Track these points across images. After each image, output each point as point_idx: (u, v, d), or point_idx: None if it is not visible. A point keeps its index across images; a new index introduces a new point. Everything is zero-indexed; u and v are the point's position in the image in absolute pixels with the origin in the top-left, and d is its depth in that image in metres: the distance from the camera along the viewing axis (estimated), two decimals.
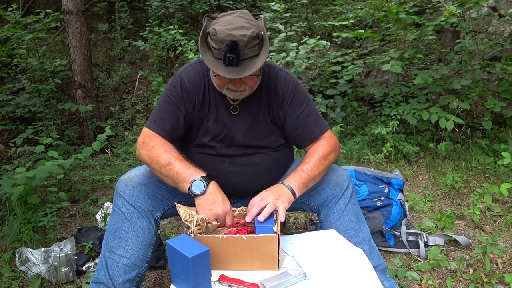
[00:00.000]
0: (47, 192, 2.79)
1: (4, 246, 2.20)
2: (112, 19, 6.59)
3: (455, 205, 2.56)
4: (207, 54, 1.33)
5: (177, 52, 4.59)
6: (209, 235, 1.21)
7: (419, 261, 1.98)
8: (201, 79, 1.48)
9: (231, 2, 6.14)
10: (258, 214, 1.28)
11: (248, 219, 1.29)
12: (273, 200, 1.30)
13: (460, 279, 1.83)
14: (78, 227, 2.37)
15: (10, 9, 4.66)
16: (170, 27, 4.61)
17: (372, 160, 3.28)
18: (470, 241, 2.07)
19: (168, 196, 1.48)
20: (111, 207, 1.70)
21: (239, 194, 1.51)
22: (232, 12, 1.35)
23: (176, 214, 1.42)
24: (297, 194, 1.38)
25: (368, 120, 4.00)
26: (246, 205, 1.36)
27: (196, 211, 1.32)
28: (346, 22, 4.32)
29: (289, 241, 1.35)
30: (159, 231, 1.63)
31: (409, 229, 2.14)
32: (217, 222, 1.30)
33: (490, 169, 2.93)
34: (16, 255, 1.98)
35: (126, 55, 6.30)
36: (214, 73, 1.38)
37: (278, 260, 1.21)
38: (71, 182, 3.13)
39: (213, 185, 1.32)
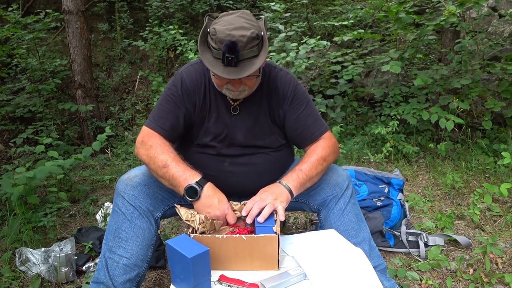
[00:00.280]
0: (47, 192, 2.79)
1: (4, 246, 2.20)
2: (112, 19, 6.59)
3: (455, 205, 2.56)
4: (206, 53, 1.33)
5: (177, 52, 4.59)
6: (209, 235, 1.21)
7: (419, 261, 1.98)
8: (202, 79, 1.48)
9: (231, 2, 6.13)
10: (258, 214, 1.29)
11: (248, 220, 1.29)
12: (272, 200, 1.30)
13: (460, 279, 1.83)
14: (78, 227, 2.37)
15: (10, 9, 4.66)
16: (170, 27, 4.61)
17: (372, 160, 3.28)
18: (470, 241, 2.07)
19: (168, 196, 1.48)
20: (111, 207, 1.70)
21: (239, 194, 1.51)
22: (233, 12, 1.35)
23: (176, 214, 1.42)
24: (294, 194, 1.38)
25: (368, 120, 4.00)
26: None
27: (197, 211, 1.32)
28: (346, 22, 4.32)
29: (289, 241, 1.35)
30: (159, 231, 1.63)
31: (409, 229, 2.14)
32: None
33: (490, 169, 2.93)
34: (16, 255, 1.98)
35: (126, 55, 6.31)
36: (213, 72, 1.38)
37: (278, 260, 1.21)
38: (71, 182, 3.13)
39: (207, 188, 1.32)
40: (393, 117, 3.42)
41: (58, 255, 1.88)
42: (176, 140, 1.52)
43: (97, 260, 1.97)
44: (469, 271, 1.88)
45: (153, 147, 1.39)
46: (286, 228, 2.32)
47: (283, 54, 3.73)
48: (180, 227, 2.41)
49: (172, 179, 1.32)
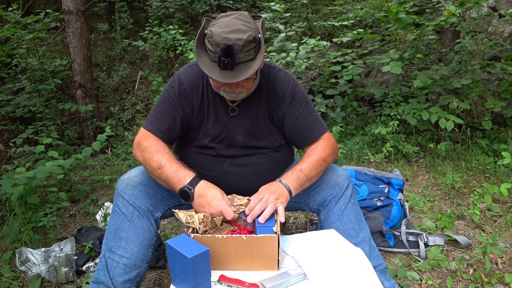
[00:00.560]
0: (47, 192, 2.79)
1: (4, 246, 2.20)
2: (112, 19, 6.59)
3: (455, 205, 2.56)
4: (203, 56, 1.33)
5: (177, 52, 4.59)
6: (209, 235, 1.20)
7: (419, 261, 1.98)
8: (200, 80, 1.48)
9: (231, 2, 6.13)
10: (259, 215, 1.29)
11: (249, 220, 1.29)
12: (274, 201, 1.30)
13: (460, 279, 1.83)
14: (78, 227, 2.37)
15: (10, 9, 4.66)
16: (170, 27, 4.61)
17: (372, 160, 3.28)
18: (470, 241, 2.07)
19: (168, 196, 1.48)
20: (111, 207, 1.70)
21: (239, 195, 1.51)
22: (231, 13, 1.34)
23: None
24: (293, 194, 1.39)
25: (368, 120, 4.00)
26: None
27: (196, 211, 1.32)
28: (346, 22, 4.32)
29: (289, 241, 1.35)
30: (159, 231, 1.63)
31: (409, 229, 2.14)
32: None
33: (490, 169, 2.94)
34: (16, 255, 1.98)
35: (126, 55, 6.31)
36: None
37: (278, 260, 1.21)
38: (71, 182, 3.13)
39: (199, 188, 1.31)
40: (393, 117, 3.42)
41: (58, 255, 1.88)
42: (173, 141, 1.53)
43: (97, 260, 1.97)
44: (469, 271, 1.88)
45: (148, 148, 1.40)
46: (286, 228, 2.32)
47: (283, 54, 3.73)
48: (180, 227, 2.41)
49: (167, 180, 1.33)
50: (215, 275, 1.17)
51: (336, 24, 4.48)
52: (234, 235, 1.20)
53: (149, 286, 1.86)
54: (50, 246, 2.03)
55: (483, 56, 3.59)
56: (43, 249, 1.99)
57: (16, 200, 2.27)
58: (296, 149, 1.68)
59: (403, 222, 2.16)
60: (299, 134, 1.52)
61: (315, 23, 5.20)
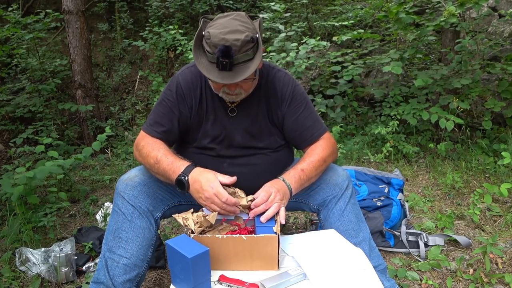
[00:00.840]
0: (47, 192, 2.79)
1: (4, 246, 2.20)
2: (112, 19, 6.59)
3: (455, 205, 2.56)
4: (201, 58, 1.33)
5: (177, 52, 4.59)
6: (209, 235, 1.20)
7: (419, 261, 1.98)
8: (198, 82, 1.48)
9: (231, 2, 6.13)
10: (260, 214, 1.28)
11: (251, 215, 1.29)
12: (279, 201, 1.31)
13: (460, 279, 1.83)
14: (78, 227, 2.37)
15: (10, 9, 4.66)
16: (170, 27, 4.61)
17: (372, 160, 3.28)
18: (470, 241, 2.07)
19: (168, 196, 1.49)
20: (111, 207, 1.70)
21: None
22: (228, 14, 1.34)
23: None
24: (293, 194, 1.39)
25: (368, 120, 4.00)
26: None
27: (192, 212, 1.31)
28: (346, 22, 4.32)
29: (289, 241, 1.35)
30: (159, 231, 1.63)
31: (409, 229, 2.14)
32: (216, 208, 1.27)
33: (490, 169, 2.94)
34: (16, 255, 1.98)
35: (126, 55, 6.31)
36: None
37: (278, 260, 1.21)
38: (71, 182, 3.13)
39: (192, 174, 1.31)
40: (393, 117, 3.42)
41: (58, 255, 1.88)
42: (173, 143, 1.54)
43: (97, 260, 1.97)
44: (469, 271, 1.88)
45: (145, 146, 1.43)
46: (286, 228, 2.32)
47: (283, 54, 3.73)
48: (180, 227, 2.41)
49: (164, 172, 1.34)
50: (215, 275, 1.17)
51: (336, 24, 4.48)
52: (234, 235, 1.20)
53: (149, 286, 1.86)
54: (50, 246, 2.03)
55: (483, 56, 3.59)
56: (43, 249, 1.99)
57: (16, 200, 2.27)
58: (295, 149, 1.68)
59: (403, 222, 2.16)
60: (299, 134, 1.52)
61: (315, 23, 5.20)
